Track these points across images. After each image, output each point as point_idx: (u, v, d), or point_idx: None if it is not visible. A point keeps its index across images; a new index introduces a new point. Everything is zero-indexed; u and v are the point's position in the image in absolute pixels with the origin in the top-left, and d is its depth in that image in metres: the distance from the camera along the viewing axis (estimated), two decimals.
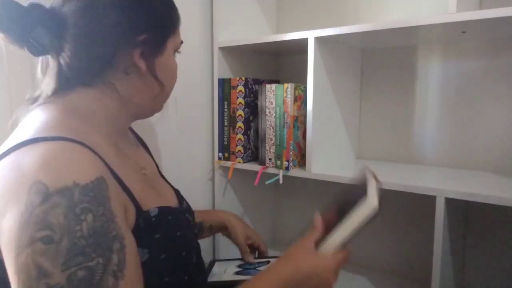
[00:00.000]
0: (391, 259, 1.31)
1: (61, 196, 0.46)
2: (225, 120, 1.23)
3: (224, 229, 1.01)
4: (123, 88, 0.63)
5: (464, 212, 1.11)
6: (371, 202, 0.62)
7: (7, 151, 0.51)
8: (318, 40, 1.03)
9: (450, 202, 0.89)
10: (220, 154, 1.25)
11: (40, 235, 0.44)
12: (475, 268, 1.15)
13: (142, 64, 0.62)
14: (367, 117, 1.30)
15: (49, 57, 0.61)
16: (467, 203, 1.12)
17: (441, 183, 0.92)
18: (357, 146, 1.32)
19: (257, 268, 0.97)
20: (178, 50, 0.72)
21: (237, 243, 0.99)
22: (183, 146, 1.23)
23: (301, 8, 1.41)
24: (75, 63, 0.58)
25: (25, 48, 0.59)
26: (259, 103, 1.17)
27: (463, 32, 0.95)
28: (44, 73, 0.63)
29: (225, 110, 1.23)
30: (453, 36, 1.04)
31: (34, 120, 0.56)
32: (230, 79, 1.21)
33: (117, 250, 0.48)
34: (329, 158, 1.14)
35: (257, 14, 1.38)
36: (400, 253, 1.29)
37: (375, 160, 1.29)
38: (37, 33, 0.57)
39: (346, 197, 0.72)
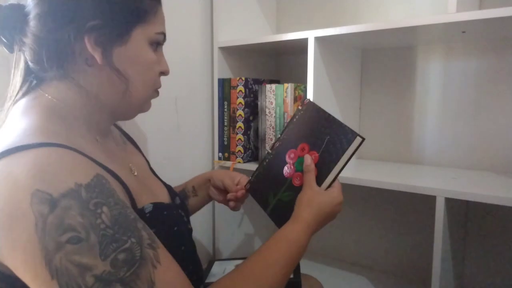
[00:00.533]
0: (391, 259, 1.31)
1: (69, 198, 0.45)
2: (225, 120, 1.23)
3: (207, 182, 0.93)
4: (85, 81, 0.59)
5: (464, 212, 1.11)
6: (357, 137, 0.70)
7: None
8: (318, 40, 1.03)
9: (450, 202, 0.89)
10: (220, 154, 1.25)
11: (66, 237, 0.44)
12: (475, 268, 1.15)
13: (97, 54, 0.57)
14: (367, 117, 1.31)
15: (20, 53, 0.59)
16: (467, 203, 1.12)
17: (441, 183, 0.92)
18: None
19: None
20: (160, 42, 0.65)
21: (224, 186, 0.89)
22: (183, 146, 1.23)
23: (301, 8, 1.41)
24: (34, 56, 0.57)
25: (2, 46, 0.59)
26: (259, 103, 1.17)
27: (463, 32, 0.95)
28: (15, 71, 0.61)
29: (225, 110, 1.23)
30: (453, 36, 1.04)
31: (12, 127, 0.53)
32: (230, 79, 1.21)
33: (142, 228, 0.50)
34: None
35: (257, 14, 1.38)
36: (400, 253, 1.29)
37: (375, 160, 1.29)
38: (4, 29, 0.57)
39: (313, 133, 0.77)
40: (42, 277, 0.43)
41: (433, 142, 1.19)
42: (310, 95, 1.04)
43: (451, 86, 1.14)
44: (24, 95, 0.59)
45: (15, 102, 0.59)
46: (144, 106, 0.67)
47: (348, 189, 1.37)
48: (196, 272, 0.73)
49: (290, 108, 1.09)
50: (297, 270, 0.96)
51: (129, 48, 0.60)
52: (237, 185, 0.88)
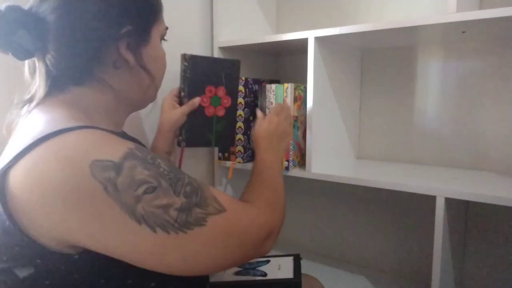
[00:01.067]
0: (391, 259, 1.31)
1: (130, 159, 0.50)
2: None
3: (161, 127, 0.94)
4: (114, 82, 0.62)
5: (464, 212, 1.11)
6: (236, 61, 1.02)
7: (26, 148, 0.49)
8: (318, 40, 1.03)
9: (450, 202, 0.89)
10: (220, 154, 1.25)
11: (142, 190, 0.49)
12: (475, 268, 1.15)
13: (129, 57, 0.61)
14: (367, 117, 1.30)
15: (35, 59, 0.60)
16: (467, 203, 1.12)
17: (441, 183, 0.92)
18: (357, 146, 1.32)
19: (256, 268, 0.97)
20: (164, 37, 0.71)
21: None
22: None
23: (301, 8, 1.41)
24: (61, 63, 0.58)
25: (10, 53, 0.58)
26: (259, 103, 1.17)
27: (463, 32, 0.95)
28: (32, 76, 0.62)
29: None
30: (453, 36, 1.04)
31: (40, 119, 0.55)
32: None
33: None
34: (329, 158, 1.14)
35: (257, 14, 1.38)
36: (400, 253, 1.29)
37: (375, 160, 1.29)
38: (19, 37, 0.56)
39: (210, 75, 0.97)
40: (130, 227, 0.48)
41: (433, 142, 1.19)
42: (310, 95, 1.04)
43: (451, 86, 1.14)
44: (47, 96, 0.60)
45: (38, 103, 0.59)
46: (156, 96, 0.74)
47: (348, 189, 1.37)
48: None
49: (290, 108, 1.08)
50: (297, 270, 0.97)
51: (151, 46, 0.66)
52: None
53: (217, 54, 1.24)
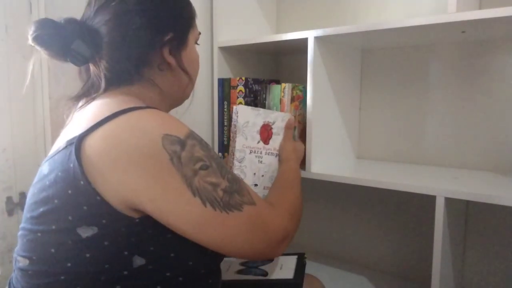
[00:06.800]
0: (391, 259, 1.31)
1: (191, 139, 0.59)
2: (225, 120, 1.23)
3: None
4: (159, 82, 0.70)
5: (464, 212, 1.11)
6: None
7: (105, 119, 0.57)
8: (318, 40, 1.03)
9: (450, 202, 0.89)
10: (220, 154, 1.25)
11: (198, 166, 0.57)
12: (475, 268, 1.15)
13: (172, 60, 0.70)
14: (367, 117, 1.31)
15: (89, 65, 0.68)
16: (467, 203, 1.12)
17: (441, 183, 0.92)
18: (357, 146, 1.32)
19: (259, 267, 0.98)
20: (197, 41, 0.78)
21: None
22: None
23: (301, 8, 1.41)
24: (114, 67, 0.65)
25: (68, 60, 0.65)
26: (266, 102, 1.17)
27: (463, 32, 0.95)
28: (82, 78, 0.71)
29: (225, 110, 1.23)
30: (453, 36, 1.04)
31: (111, 101, 0.62)
32: (230, 79, 1.21)
33: None
34: (329, 158, 1.14)
35: (257, 14, 1.38)
36: (400, 253, 1.29)
37: (375, 160, 1.29)
38: (76, 45, 0.64)
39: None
40: (186, 197, 0.55)
41: (433, 142, 1.19)
42: (309, 95, 1.04)
43: (451, 86, 1.14)
44: (105, 92, 0.66)
45: (98, 97, 0.66)
46: (190, 94, 0.81)
47: (348, 189, 1.37)
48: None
49: (287, 108, 1.09)
50: (299, 270, 0.97)
51: (188, 50, 0.74)
52: None
53: (217, 54, 1.24)
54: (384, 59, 1.25)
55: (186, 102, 0.82)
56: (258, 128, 0.95)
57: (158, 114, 0.59)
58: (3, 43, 0.90)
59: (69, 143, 0.57)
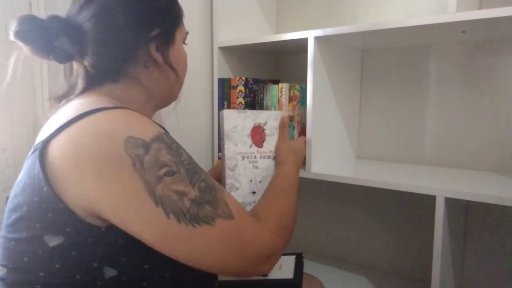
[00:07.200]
0: (391, 259, 1.31)
1: (158, 142, 0.55)
2: None
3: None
4: (145, 80, 0.68)
5: (464, 212, 1.11)
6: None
7: (68, 122, 0.54)
8: (318, 40, 1.03)
9: (450, 202, 0.89)
10: (220, 154, 1.25)
11: (163, 171, 0.53)
12: (475, 268, 1.15)
13: (158, 57, 0.68)
14: (367, 117, 1.30)
15: (73, 62, 0.66)
16: (467, 203, 1.12)
17: (441, 183, 0.92)
18: (357, 146, 1.32)
19: None
20: (185, 41, 0.77)
21: None
22: (183, 146, 1.23)
23: (301, 8, 1.41)
24: (98, 64, 0.63)
25: (51, 57, 0.63)
26: (264, 102, 1.17)
27: (463, 32, 0.95)
28: (67, 77, 0.68)
29: None
30: (453, 36, 1.04)
31: (80, 103, 0.59)
32: (230, 79, 1.21)
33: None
34: (329, 158, 1.14)
35: (257, 14, 1.38)
36: (400, 253, 1.29)
37: (375, 160, 1.29)
38: (60, 42, 0.62)
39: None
40: (147, 205, 0.51)
41: (433, 142, 1.19)
42: (309, 95, 1.04)
43: (451, 86, 1.14)
44: (83, 92, 0.65)
45: (75, 97, 0.64)
46: (178, 95, 0.80)
47: (348, 189, 1.37)
48: None
49: (285, 108, 1.08)
50: (299, 269, 0.97)
51: (175, 48, 0.72)
52: None
53: (217, 54, 1.24)
54: (384, 59, 1.25)
55: (172, 104, 0.80)
56: (248, 131, 0.90)
57: (124, 115, 0.56)
58: (3, 43, 0.90)
59: (35, 149, 0.55)
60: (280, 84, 1.09)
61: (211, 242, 0.54)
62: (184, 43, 0.77)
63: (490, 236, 1.12)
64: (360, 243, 1.37)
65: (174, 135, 1.29)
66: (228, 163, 0.88)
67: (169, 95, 0.76)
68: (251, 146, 0.90)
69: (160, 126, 0.66)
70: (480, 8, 1.06)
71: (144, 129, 0.55)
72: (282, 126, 0.94)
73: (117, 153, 0.51)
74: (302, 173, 1.08)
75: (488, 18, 0.80)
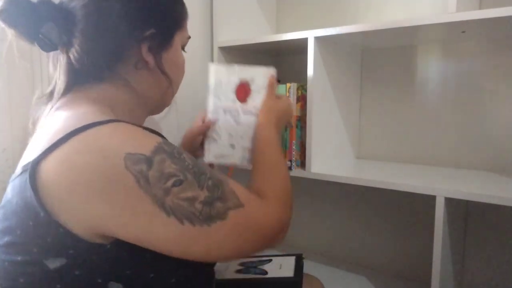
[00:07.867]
0: (391, 259, 1.31)
1: (159, 153, 0.52)
2: None
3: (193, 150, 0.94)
4: (134, 82, 0.64)
5: (464, 212, 1.11)
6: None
7: (59, 141, 0.50)
8: (318, 40, 1.03)
9: (450, 202, 0.89)
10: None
11: (170, 183, 0.51)
12: (475, 268, 1.15)
13: (150, 59, 0.63)
14: (367, 117, 1.31)
15: (59, 52, 0.61)
16: (467, 203, 1.12)
17: (441, 183, 0.92)
18: (357, 146, 1.33)
19: (258, 267, 0.98)
20: (185, 47, 0.73)
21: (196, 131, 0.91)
22: None
23: (301, 8, 1.41)
24: (84, 58, 0.59)
25: (35, 44, 0.59)
26: None
27: (463, 32, 0.95)
28: (55, 68, 0.63)
29: None
30: (453, 36, 1.04)
31: (69, 114, 0.56)
32: None
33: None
34: (329, 158, 1.14)
35: (257, 14, 1.38)
36: (400, 253, 1.29)
37: (375, 160, 1.29)
38: (46, 29, 0.58)
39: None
40: (159, 219, 0.50)
41: (433, 142, 1.19)
42: (309, 95, 1.04)
43: (451, 86, 1.14)
44: (68, 91, 0.61)
45: (59, 98, 0.61)
46: (171, 102, 0.75)
47: (348, 189, 1.37)
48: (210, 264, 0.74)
49: (293, 108, 1.08)
50: (299, 270, 0.97)
51: (171, 52, 0.67)
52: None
53: (217, 54, 1.24)
54: (384, 59, 1.25)
55: (165, 109, 0.76)
56: (234, 86, 0.87)
57: (120, 130, 0.53)
58: (3, 43, 0.90)
59: (24, 169, 0.51)
60: (288, 84, 1.09)
61: (228, 235, 0.55)
62: (183, 49, 0.73)
63: (490, 236, 1.12)
64: (360, 243, 1.37)
65: (173, 135, 1.29)
66: (210, 116, 0.87)
67: (161, 101, 0.72)
68: (235, 101, 0.87)
69: (156, 132, 0.66)
70: (480, 8, 1.06)
71: (142, 143, 0.53)
72: (269, 84, 0.88)
73: (118, 172, 0.49)
74: (303, 173, 1.08)
75: (488, 18, 0.80)
